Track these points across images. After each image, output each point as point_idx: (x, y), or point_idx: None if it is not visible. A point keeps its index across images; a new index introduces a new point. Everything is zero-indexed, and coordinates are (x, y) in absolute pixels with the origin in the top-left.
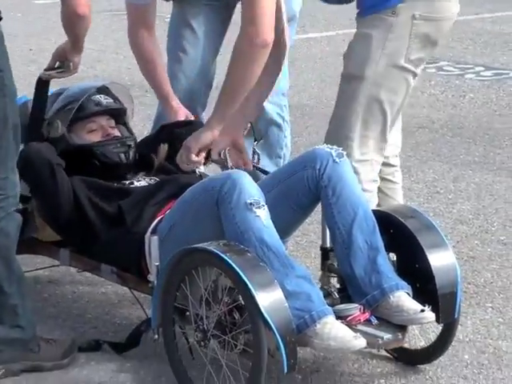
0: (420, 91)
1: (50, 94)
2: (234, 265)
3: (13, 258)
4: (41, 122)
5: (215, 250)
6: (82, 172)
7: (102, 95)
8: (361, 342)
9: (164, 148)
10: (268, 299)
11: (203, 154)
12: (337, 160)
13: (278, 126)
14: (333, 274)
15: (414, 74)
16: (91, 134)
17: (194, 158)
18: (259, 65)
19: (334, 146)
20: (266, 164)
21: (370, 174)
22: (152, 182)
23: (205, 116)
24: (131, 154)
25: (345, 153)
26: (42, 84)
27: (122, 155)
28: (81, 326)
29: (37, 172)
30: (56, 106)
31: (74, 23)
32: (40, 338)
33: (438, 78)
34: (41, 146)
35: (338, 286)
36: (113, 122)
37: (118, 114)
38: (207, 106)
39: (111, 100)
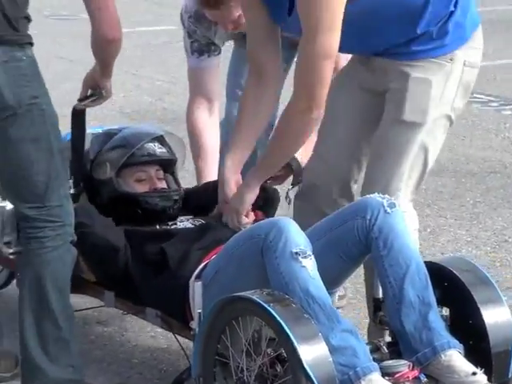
0: (494, 134)
1: (100, 130)
2: (276, 316)
3: (68, 292)
4: (81, 155)
5: (258, 300)
6: (124, 216)
7: (156, 143)
8: None
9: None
10: (311, 353)
11: (251, 214)
12: (388, 210)
13: None
14: (385, 327)
15: (452, 124)
16: (139, 184)
17: (245, 220)
18: (309, 134)
19: (386, 196)
20: None
21: (414, 224)
22: (196, 223)
23: None
24: (175, 208)
25: (397, 203)
26: (77, 114)
27: (167, 209)
28: (126, 371)
29: (102, 259)
30: (107, 146)
31: (104, 48)
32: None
33: None
34: (107, 233)
35: (389, 339)
36: (161, 173)
37: (169, 165)
38: None
39: (164, 150)
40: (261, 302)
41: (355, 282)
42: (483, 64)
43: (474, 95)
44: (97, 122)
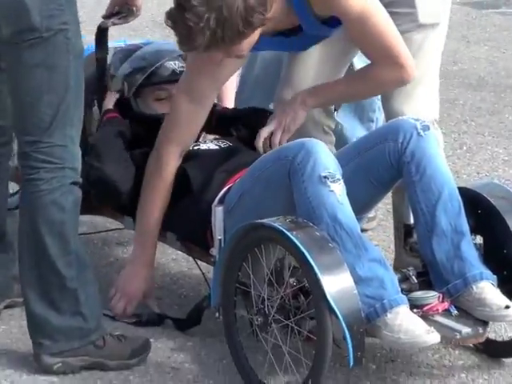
0: None
1: (122, 44)
2: (299, 244)
3: (70, 236)
4: (104, 74)
5: (280, 227)
6: (144, 138)
7: (177, 62)
8: (434, 338)
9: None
10: (335, 284)
11: None
12: (422, 133)
13: None
14: (415, 254)
15: None
16: (159, 103)
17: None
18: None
19: (420, 118)
20: (358, 128)
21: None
22: (221, 145)
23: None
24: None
25: (431, 125)
26: (102, 32)
27: None
28: None
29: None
30: (127, 65)
31: None
32: (108, 333)
33: None
34: (114, 173)
35: (420, 267)
36: None
37: None
38: None
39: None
40: (283, 230)
41: (386, 203)
42: None
43: None
44: (127, 30)
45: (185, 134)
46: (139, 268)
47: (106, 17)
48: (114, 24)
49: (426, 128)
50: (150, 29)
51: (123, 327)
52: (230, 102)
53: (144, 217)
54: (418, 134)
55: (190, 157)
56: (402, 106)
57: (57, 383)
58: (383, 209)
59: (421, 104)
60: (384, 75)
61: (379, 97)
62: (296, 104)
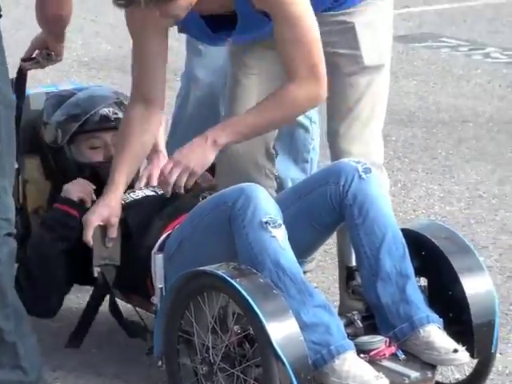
0: (465, 80)
1: (54, 89)
2: (243, 291)
3: (7, 288)
4: (19, 120)
5: (223, 275)
6: None
7: (111, 108)
8: (383, 383)
9: None
10: (281, 331)
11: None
12: (363, 176)
13: (305, 128)
14: (358, 297)
15: None
16: (93, 151)
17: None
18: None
19: (361, 160)
20: (292, 169)
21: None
22: (157, 191)
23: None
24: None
25: (372, 168)
26: (22, 76)
27: None
28: (83, 345)
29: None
30: (60, 112)
31: (56, 23)
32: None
33: (485, 65)
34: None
35: (363, 311)
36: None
37: None
38: None
39: (121, 114)
40: (226, 277)
41: (324, 243)
42: (452, 6)
43: (443, 39)
44: (53, 71)
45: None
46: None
47: (24, 60)
48: (28, 68)
49: (368, 170)
50: (75, 69)
51: (63, 378)
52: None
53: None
54: (360, 176)
55: (127, 206)
56: (350, 146)
57: None
58: (321, 249)
59: (368, 146)
60: (299, 93)
61: (313, 136)
62: (206, 145)
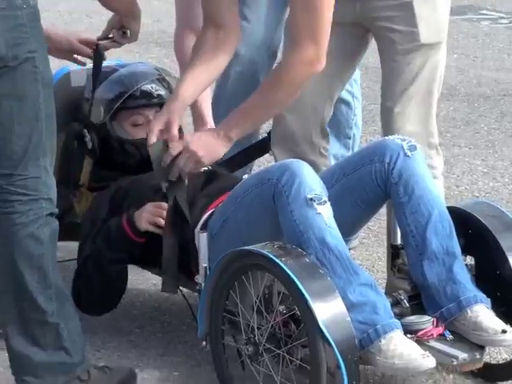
0: (506, 53)
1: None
2: (289, 271)
3: (49, 270)
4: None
5: (269, 254)
6: (119, 164)
7: (154, 85)
8: (429, 362)
9: None
10: (327, 311)
11: None
12: (408, 153)
13: (347, 104)
14: (403, 276)
15: None
16: (136, 128)
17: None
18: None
19: (406, 137)
20: (335, 146)
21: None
22: (202, 169)
23: None
24: None
25: (418, 145)
26: (99, 56)
27: None
28: (126, 325)
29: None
30: (103, 88)
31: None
32: (92, 364)
33: None
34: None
35: (409, 290)
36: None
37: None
38: None
39: (163, 91)
40: (272, 257)
41: None
42: None
43: (484, 12)
44: None
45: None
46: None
47: (101, 39)
48: (106, 48)
49: (413, 148)
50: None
51: (107, 358)
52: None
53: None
54: (405, 154)
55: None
56: (404, 125)
57: None
58: (364, 226)
59: (423, 126)
60: (295, 60)
61: (356, 112)
62: (218, 139)
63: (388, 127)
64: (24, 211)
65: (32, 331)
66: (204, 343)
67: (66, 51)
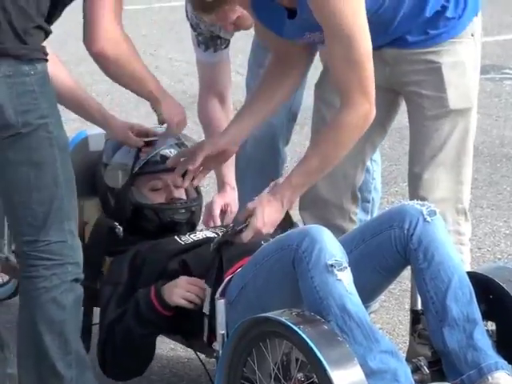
0: None
1: None
2: (307, 339)
3: (70, 336)
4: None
5: (287, 322)
6: (138, 228)
7: (172, 149)
8: None
9: None
10: (346, 379)
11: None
12: (428, 219)
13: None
14: (424, 341)
15: None
16: (154, 193)
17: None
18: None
19: (426, 203)
20: None
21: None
22: (218, 232)
23: (287, 152)
24: (193, 219)
25: (438, 210)
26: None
27: (184, 222)
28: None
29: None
30: (121, 153)
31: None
32: None
33: None
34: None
35: (429, 356)
36: (179, 181)
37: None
38: (290, 142)
39: None
40: (290, 324)
41: None
42: None
43: (506, 71)
44: (112, 107)
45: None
46: None
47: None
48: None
49: (433, 213)
50: (134, 105)
51: None
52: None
53: None
54: (425, 219)
55: (187, 248)
56: (432, 193)
57: None
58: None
59: (451, 193)
60: (352, 114)
61: (374, 176)
62: (282, 209)
63: (416, 193)
64: (48, 276)
65: None
66: None
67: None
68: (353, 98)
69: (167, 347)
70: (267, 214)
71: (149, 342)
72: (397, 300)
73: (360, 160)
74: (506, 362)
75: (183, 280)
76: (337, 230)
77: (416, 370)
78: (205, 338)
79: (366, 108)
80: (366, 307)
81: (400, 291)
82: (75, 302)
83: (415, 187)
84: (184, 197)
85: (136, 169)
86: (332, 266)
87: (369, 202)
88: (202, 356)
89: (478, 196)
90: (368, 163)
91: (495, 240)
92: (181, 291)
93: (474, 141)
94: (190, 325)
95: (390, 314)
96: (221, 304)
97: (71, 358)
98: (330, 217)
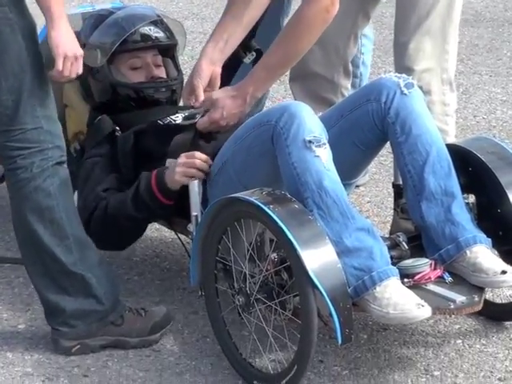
0: None
1: (91, 9)
2: (277, 218)
3: (63, 221)
4: None
5: (257, 201)
6: (117, 107)
7: (152, 27)
8: (424, 312)
9: None
10: (317, 258)
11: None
12: (405, 91)
13: None
14: (407, 216)
15: None
16: (134, 72)
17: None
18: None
19: (403, 75)
20: None
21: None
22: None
23: None
24: (175, 98)
25: (415, 82)
26: None
27: (164, 100)
28: (125, 271)
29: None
30: (99, 32)
31: None
32: (127, 307)
33: None
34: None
35: (412, 230)
36: (159, 59)
37: (167, 49)
38: None
39: (162, 33)
40: (259, 204)
41: (378, 155)
42: None
43: None
44: None
45: None
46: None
47: None
48: None
49: (410, 86)
50: None
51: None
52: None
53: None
54: (402, 92)
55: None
56: (417, 62)
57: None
58: (375, 161)
59: (436, 61)
60: (311, 9)
61: (363, 50)
62: (243, 102)
63: (401, 63)
64: (27, 165)
65: (59, 281)
66: (200, 292)
67: None
68: None
69: (152, 227)
70: (228, 108)
71: (139, 225)
72: (387, 172)
73: (352, 32)
74: (484, 236)
75: (182, 157)
76: (327, 104)
77: (395, 245)
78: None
79: (328, 2)
80: (350, 183)
81: (391, 163)
82: (61, 186)
83: (401, 56)
84: (164, 75)
85: (115, 47)
86: (310, 142)
87: (357, 77)
88: (184, 237)
89: (478, 62)
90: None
91: (491, 107)
92: (181, 169)
93: (475, 4)
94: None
95: (380, 187)
96: (193, 184)
97: (69, 242)
98: (319, 90)
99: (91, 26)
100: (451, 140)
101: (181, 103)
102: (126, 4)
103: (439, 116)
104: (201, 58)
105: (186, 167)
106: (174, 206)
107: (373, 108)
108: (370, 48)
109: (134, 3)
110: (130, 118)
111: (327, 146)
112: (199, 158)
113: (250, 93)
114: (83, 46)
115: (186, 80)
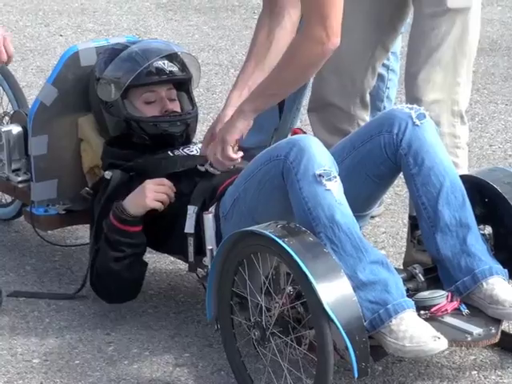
0: None
1: (105, 43)
2: (291, 251)
3: None
4: None
5: (271, 235)
6: (129, 141)
7: (165, 61)
8: (440, 345)
9: None
10: (332, 291)
11: (239, 152)
12: (417, 122)
13: (380, 76)
14: (423, 248)
15: None
16: (148, 106)
17: (231, 153)
18: (321, 65)
19: (414, 106)
20: (365, 120)
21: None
22: None
23: None
24: (189, 132)
25: (427, 113)
26: None
27: (178, 134)
28: (140, 304)
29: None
30: (113, 66)
31: None
32: None
33: None
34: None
35: (428, 262)
36: (174, 93)
37: (182, 83)
38: None
39: (176, 68)
40: (274, 237)
41: (394, 185)
42: None
43: None
44: (131, 15)
45: None
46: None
47: None
48: None
49: (422, 116)
50: (153, 12)
51: (117, 342)
52: None
53: None
54: (414, 123)
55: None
56: (427, 93)
57: None
58: (391, 191)
59: (447, 93)
60: (305, 44)
61: (389, 85)
62: (234, 118)
63: (411, 95)
64: None
65: None
66: (216, 326)
67: None
68: (310, 22)
69: (167, 260)
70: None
71: (129, 264)
72: (403, 203)
73: (370, 64)
74: (500, 267)
75: (149, 183)
76: (343, 135)
77: (411, 277)
78: (191, 258)
79: (320, 34)
80: (365, 215)
81: (407, 193)
82: None
83: (410, 87)
84: (179, 109)
85: (129, 81)
86: (320, 175)
87: (380, 110)
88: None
89: (494, 91)
90: (383, 70)
91: (507, 137)
92: (152, 194)
93: (491, 33)
94: (172, 244)
95: (395, 218)
96: (208, 219)
97: None
98: (336, 121)
99: (105, 60)
100: (463, 172)
101: (194, 139)
102: (140, 38)
103: (449, 148)
104: (226, 107)
105: (156, 193)
106: (151, 230)
107: (385, 140)
108: (396, 82)
109: (149, 37)
110: (143, 164)
111: (338, 178)
112: (168, 184)
113: (239, 108)
114: (97, 80)
115: (200, 114)
